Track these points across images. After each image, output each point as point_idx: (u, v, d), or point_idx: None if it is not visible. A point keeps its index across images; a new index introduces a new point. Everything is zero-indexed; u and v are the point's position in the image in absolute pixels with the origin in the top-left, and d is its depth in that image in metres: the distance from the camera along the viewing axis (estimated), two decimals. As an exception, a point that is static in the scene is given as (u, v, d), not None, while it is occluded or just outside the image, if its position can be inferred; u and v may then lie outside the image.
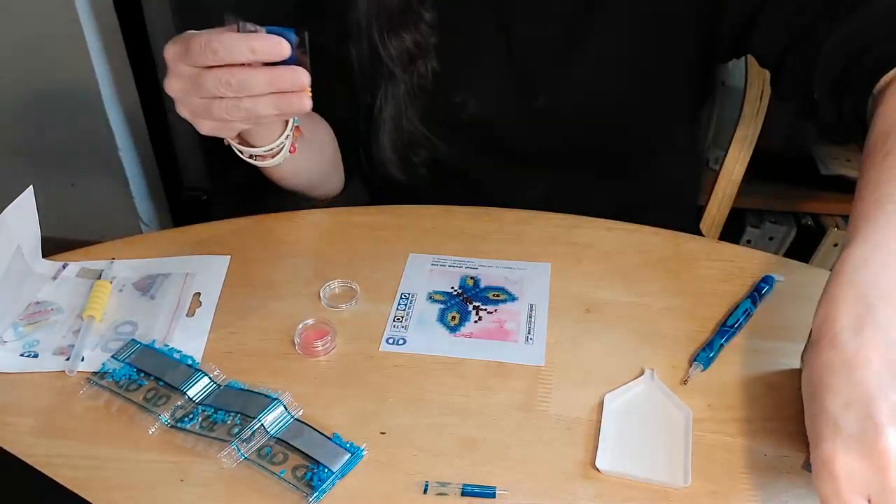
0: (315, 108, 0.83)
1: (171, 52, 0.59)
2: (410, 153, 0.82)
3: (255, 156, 0.69)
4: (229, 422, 0.57)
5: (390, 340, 0.65)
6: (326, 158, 0.84)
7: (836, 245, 1.66)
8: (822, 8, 0.68)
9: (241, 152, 0.69)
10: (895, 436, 0.44)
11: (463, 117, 0.81)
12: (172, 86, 0.60)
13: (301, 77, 0.58)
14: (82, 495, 0.53)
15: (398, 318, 0.67)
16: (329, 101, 0.83)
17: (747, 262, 0.72)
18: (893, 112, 0.60)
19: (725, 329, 0.63)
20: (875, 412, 0.44)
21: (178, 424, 0.58)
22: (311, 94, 0.59)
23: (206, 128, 0.62)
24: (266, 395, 0.59)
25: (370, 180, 0.89)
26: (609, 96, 0.81)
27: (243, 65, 0.57)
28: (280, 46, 0.57)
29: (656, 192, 0.90)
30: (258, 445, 0.56)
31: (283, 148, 0.70)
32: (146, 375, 0.61)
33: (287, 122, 0.69)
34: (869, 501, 0.44)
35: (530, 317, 0.67)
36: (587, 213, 0.78)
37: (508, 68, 0.80)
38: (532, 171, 0.85)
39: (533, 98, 0.80)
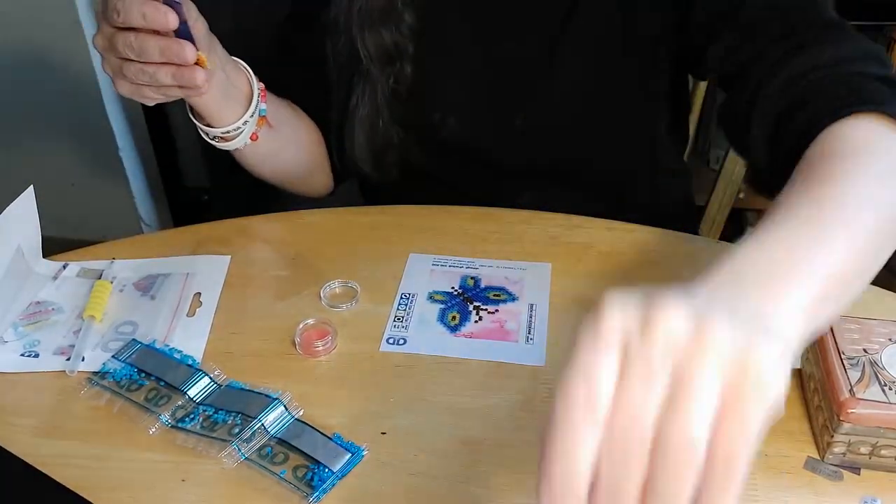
0: (301, 105, 0.84)
1: (98, 8, 0.63)
2: (383, 153, 0.83)
3: (216, 137, 0.73)
4: (230, 422, 0.57)
5: (390, 340, 0.65)
6: (304, 155, 0.85)
7: (836, 245, 1.65)
8: (777, 36, 0.65)
9: (204, 133, 0.73)
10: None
11: (443, 134, 0.81)
12: (97, 41, 0.63)
13: (185, 51, 0.60)
14: (82, 495, 0.53)
15: (398, 318, 0.67)
16: (315, 101, 0.83)
17: (747, 262, 0.71)
18: (821, 145, 0.55)
19: (725, 329, 0.63)
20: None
21: (179, 424, 0.58)
22: (205, 69, 0.62)
23: (123, 89, 0.65)
24: (266, 395, 0.59)
25: (339, 173, 0.90)
26: (587, 113, 0.80)
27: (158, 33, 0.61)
28: (164, 18, 0.59)
29: (645, 203, 0.89)
30: (259, 445, 0.56)
31: (241, 133, 0.73)
32: (147, 375, 0.61)
33: (248, 107, 0.72)
34: None
35: (530, 317, 0.67)
36: (592, 200, 0.78)
37: (486, 86, 0.80)
38: (517, 182, 0.84)
39: (511, 116, 0.80)
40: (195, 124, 0.74)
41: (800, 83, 0.62)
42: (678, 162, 0.93)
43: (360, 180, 0.93)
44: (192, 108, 0.72)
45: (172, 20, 0.60)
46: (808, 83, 0.61)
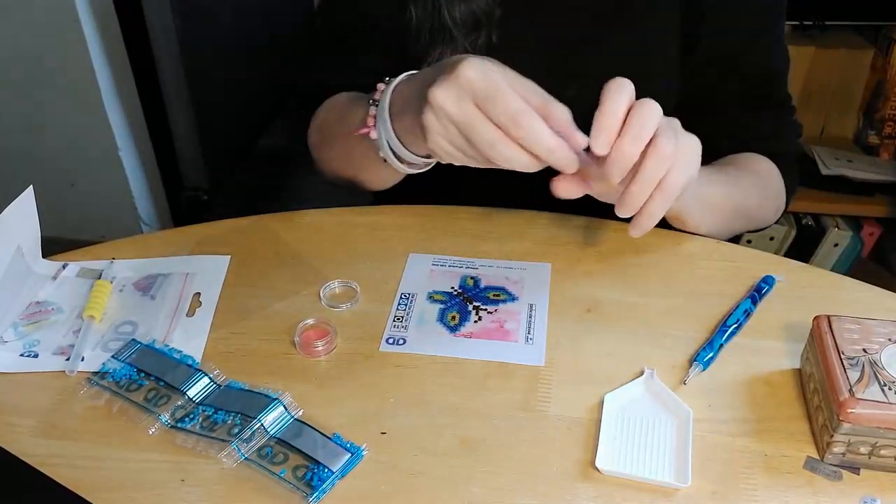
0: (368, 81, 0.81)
1: (473, 79, 0.56)
2: None
3: (412, 163, 0.68)
4: (229, 422, 0.57)
5: (390, 340, 0.65)
6: None
7: (836, 245, 1.66)
8: (749, 107, 0.84)
9: (395, 156, 0.67)
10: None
11: None
12: (445, 100, 0.57)
13: (570, 167, 0.57)
14: (82, 495, 0.53)
15: (398, 318, 0.67)
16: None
17: (747, 262, 0.72)
18: (749, 158, 0.84)
19: (725, 329, 0.63)
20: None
21: (179, 424, 0.58)
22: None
23: (436, 146, 0.60)
24: (266, 395, 0.59)
25: None
26: (636, 86, 0.83)
27: None
28: (571, 163, 0.57)
29: None
30: (258, 445, 0.56)
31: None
32: (146, 375, 0.61)
33: None
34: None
35: (530, 317, 0.67)
36: (595, 203, 0.79)
37: (543, 56, 0.81)
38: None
39: (564, 87, 0.82)
40: (383, 148, 0.68)
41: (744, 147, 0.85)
42: None
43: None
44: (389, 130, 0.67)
45: (573, 165, 0.57)
46: (749, 148, 0.85)
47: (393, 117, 0.66)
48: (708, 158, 0.81)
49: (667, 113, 0.88)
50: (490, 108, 0.56)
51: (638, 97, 0.84)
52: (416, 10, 0.79)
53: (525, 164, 0.57)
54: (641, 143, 0.57)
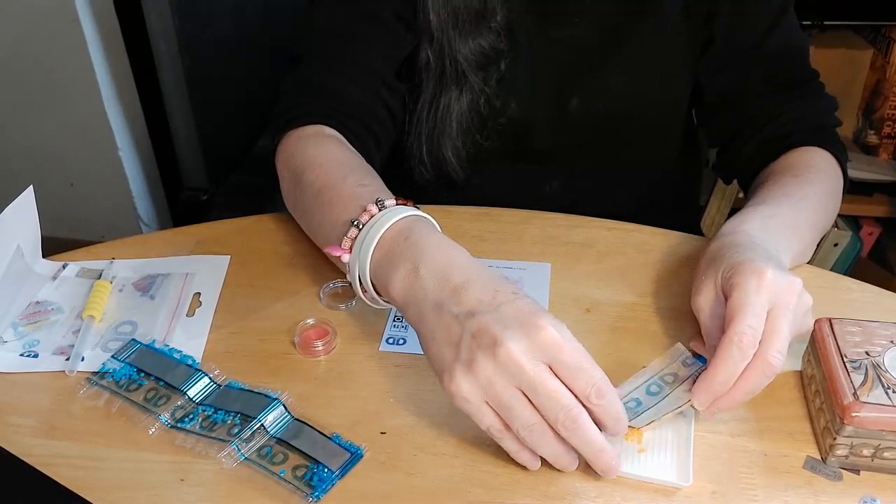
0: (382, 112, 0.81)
1: (530, 371, 0.49)
2: (467, 152, 0.83)
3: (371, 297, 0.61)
4: (229, 422, 0.57)
5: (390, 340, 0.65)
6: None
7: (835, 245, 1.66)
8: (775, 87, 0.81)
9: (359, 286, 0.61)
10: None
11: (501, 120, 0.82)
12: (480, 371, 0.49)
13: (610, 467, 0.50)
14: (82, 495, 0.53)
15: (398, 318, 0.67)
16: (397, 108, 0.82)
17: (747, 262, 0.71)
18: (799, 157, 0.78)
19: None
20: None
21: (179, 424, 0.58)
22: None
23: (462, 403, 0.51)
24: (266, 395, 0.59)
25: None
26: (638, 99, 0.83)
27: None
28: (611, 469, 0.51)
29: (660, 192, 0.91)
30: (258, 445, 0.56)
31: None
32: (146, 375, 0.61)
33: None
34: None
35: (530, 317, 0.67)
36: (595, 209, 0.79)
37: (547, 69, 0.81)
38: (548, 169, 0.86)
39: (567, 100, 0.82)
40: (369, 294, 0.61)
41: (785, 133, 0.80)
42: (693, 146, 0.97)
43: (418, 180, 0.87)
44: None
45: (615, 470, 0.51)
46: (790, 132, 0.80)
47: (375, 261, 0.58)
48: (752, 150, 0.81)
49: (682, 111, 0.89)
50: (537, 400, 0.49)
51: (643, 106, 0.84)
52: (423, 50, 0.78)
53: (565, 458, 0.51)
54: (749, 397, 0.54)
